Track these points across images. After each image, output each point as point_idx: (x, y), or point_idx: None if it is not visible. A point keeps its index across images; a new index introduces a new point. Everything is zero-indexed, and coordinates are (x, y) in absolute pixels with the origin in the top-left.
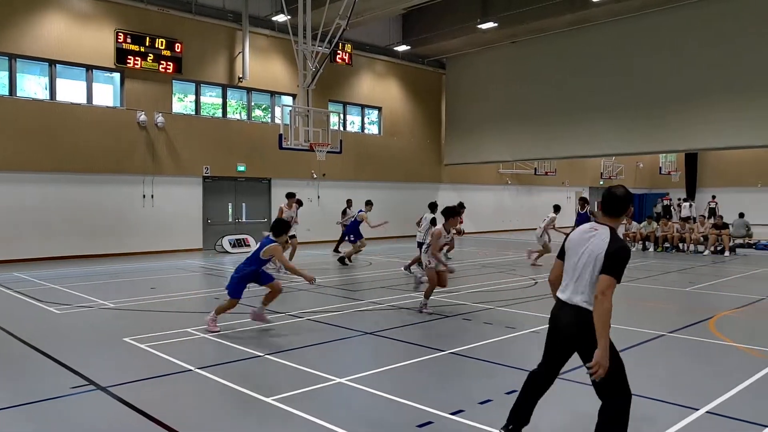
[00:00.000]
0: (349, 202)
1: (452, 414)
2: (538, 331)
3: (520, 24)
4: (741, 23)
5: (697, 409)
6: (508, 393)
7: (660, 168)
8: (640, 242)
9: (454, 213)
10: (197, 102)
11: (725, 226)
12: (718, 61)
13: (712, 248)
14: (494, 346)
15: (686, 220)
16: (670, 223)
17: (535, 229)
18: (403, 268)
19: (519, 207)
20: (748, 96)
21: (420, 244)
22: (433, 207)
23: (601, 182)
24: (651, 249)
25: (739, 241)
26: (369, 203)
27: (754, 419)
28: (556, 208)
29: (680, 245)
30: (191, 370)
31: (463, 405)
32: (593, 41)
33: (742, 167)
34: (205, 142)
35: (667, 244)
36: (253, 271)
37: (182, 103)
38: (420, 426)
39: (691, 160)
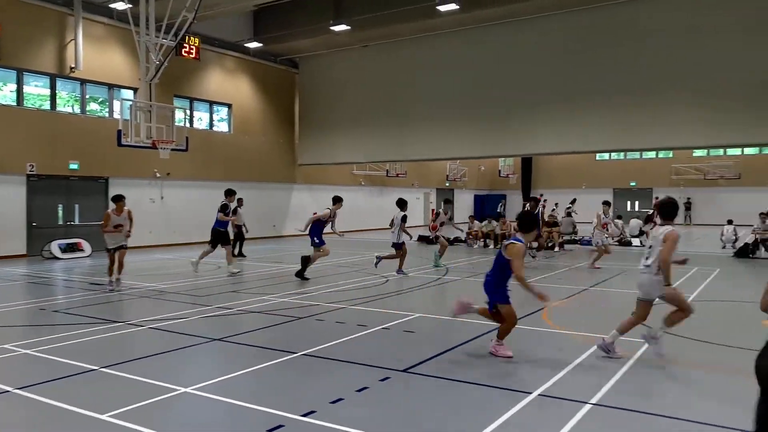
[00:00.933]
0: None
1: (303, 416)
2: (389, 328)
3: (371, 28)
4: (570, 41)
5: (530, 393)
6: (358, 390)
7: (499, 171)
8: (481, 240)
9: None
10: (19, 92)
11: (555, 224)
12: (551, 73)
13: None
14: (346, 345)
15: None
16: (508, 222)
17: (389, 228)
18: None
19: (372, 207)
20: (576, 106)
21: (396, 245)
22: (402, 204)
23: (447, 183)
24: (491, 246)
25: (567, 237)
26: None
27: (576, 397)
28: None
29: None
30: (9, 391)
31: (315, 406)
32: (441, 49)
33: (570, 170)
34: (30, 137)
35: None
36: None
37: (0, 92)
38: (270, 430)
39: (527, 163)
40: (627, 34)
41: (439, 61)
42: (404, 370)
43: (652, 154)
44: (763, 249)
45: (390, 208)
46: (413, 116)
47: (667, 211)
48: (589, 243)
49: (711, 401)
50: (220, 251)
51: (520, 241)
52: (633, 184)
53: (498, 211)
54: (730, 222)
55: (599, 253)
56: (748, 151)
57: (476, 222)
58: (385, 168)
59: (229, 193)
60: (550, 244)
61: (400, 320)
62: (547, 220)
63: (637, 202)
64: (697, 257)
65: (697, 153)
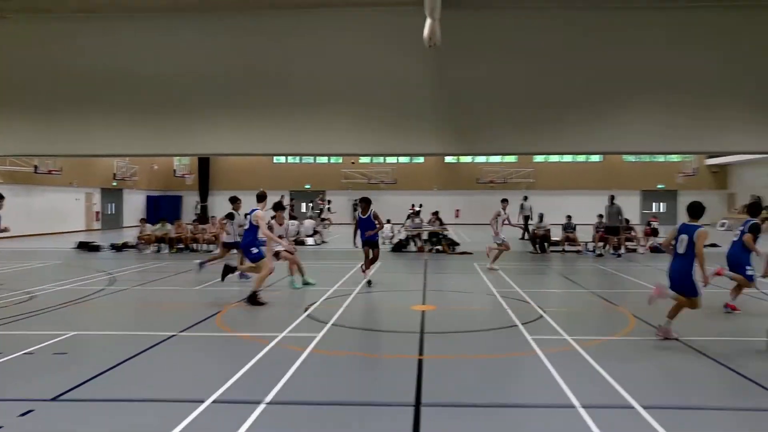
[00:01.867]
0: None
1: None
2: (32, 352)
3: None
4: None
5: (203, 401)
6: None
7: (174, 170)
8: (155, 245)
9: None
10: None
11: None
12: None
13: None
14: None
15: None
16: (183, 224)
17: (44, 235)
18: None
19: (17, 210)
20: (249, 110)
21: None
22: (276, 206)
23: (114, 183)
24: (166, 251)
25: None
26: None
27: (250, 398)
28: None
29: (193, 245)
30: None
31: None
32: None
33: (248, 172)
34: None
35: (181, 245)
36: None
37: None
38: None
39: (204, 163)
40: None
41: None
42: (54, 399)
43: (324, 159)
44: (412, 243)
45: (49, 211)
46: (76, 106)
47: None
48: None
49: (383, 382)
50: None
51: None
52: (308, 186)
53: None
54: (388, 221)
55: (500, 251)
56: (402, 159)
57: (148, 225)
58: (34, 163)
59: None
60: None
61: (49, 342)
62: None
63: (311, 204)
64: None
65: (363, 159)
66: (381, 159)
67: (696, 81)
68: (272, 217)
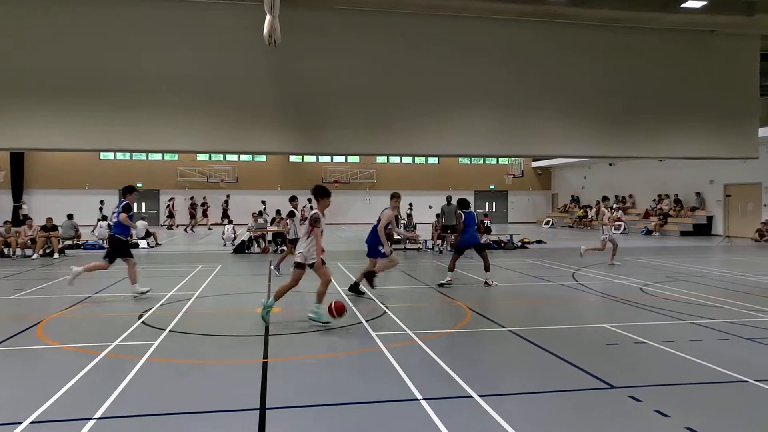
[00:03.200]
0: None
1: None
2: None
3: None
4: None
5: (21, 423)
6: None
7: None
8: None
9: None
10: None
11: (55, 228)
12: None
13: (41, 251)
14: None
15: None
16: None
17: None
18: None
19: None
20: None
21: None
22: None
23: None
24: None
25: (69, 242)
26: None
27: (77, 415)
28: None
29: (5, 250)
30: None
31: None
32: None
33: (71, 169)
34: None
35: None
36: None
37: None
38: None
39: (17, 159)
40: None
41: None
42: None
43: (158, 156)
44: (256, 245)
45: None
46: None
47: None
48: (93, 247)
49: (237, 389)
50: None
51: None
52: (140, 185)
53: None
54: (230, 221)
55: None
56: (243, 157)
57: None
58: None
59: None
60: (48, 250)
61: None
62: (44, 224)
63: (144, 204)
64: (203, 256)
65: (201, 157)
66: (220, 156)
67: (522, 93)
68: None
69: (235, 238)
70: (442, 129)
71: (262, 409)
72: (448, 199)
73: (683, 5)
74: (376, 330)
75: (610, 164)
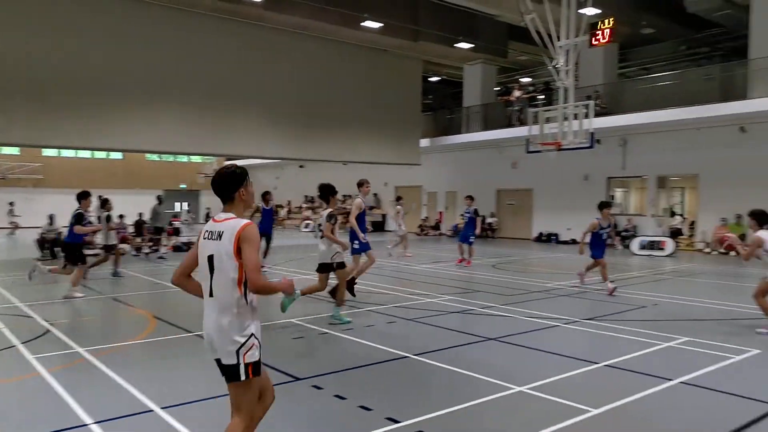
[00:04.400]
0: None
1: None
2: None
3: None
4: None
5: None
6: None
7: None
8: None
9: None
10: None
11: None
12: None
13: None
14: None
15: None
16: None
17: None
18: None
19: None
20: None
21: None
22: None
23: None
24: None
25: None
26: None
27: None
28: None
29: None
30: None
31: None
32: None
33: None
34: None
35: None
36: None
37: None
38: None
39: None
40: None
41: None
42: None
43: None
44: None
45: None
46: None
47: None
48: None
49: None
50: None
51: None
52: None
53: None
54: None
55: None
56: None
57: None
58: None
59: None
60: None
61: None
62: None
63: None
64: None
65: None
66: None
67: (218, 92)
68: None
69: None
70: (129, 121)
71: None
72: (159, 198)
73: (362, 24)
74: (36, 353)
75: (301, 166)
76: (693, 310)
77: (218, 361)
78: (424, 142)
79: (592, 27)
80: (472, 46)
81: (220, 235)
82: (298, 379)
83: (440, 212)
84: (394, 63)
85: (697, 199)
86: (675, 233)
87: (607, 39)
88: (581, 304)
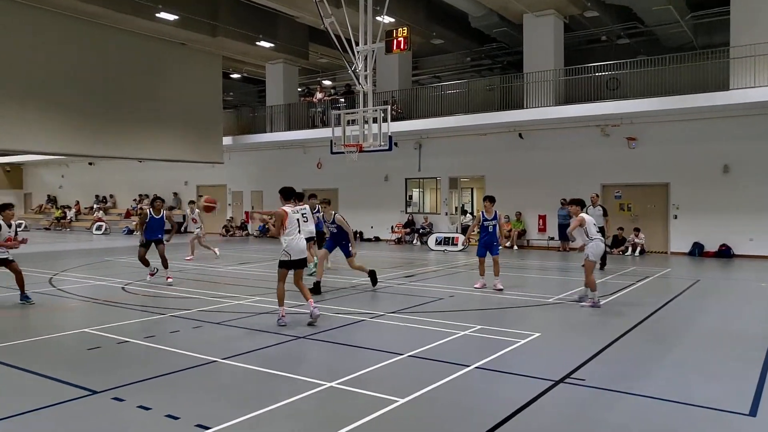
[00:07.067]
0: None
1: None
2: None
3: None
4: None
5: None
6: None
7: None
8: None
9: None
10: None
11: None
12: None
13: None
14: None
15: None
16: None
17: None
18: None
19: None
20: None
21: None
22: None
23: None
24: None
25: None
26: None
27: None
28: None
29: None
30: None
31: None
32: None
33: None
34: None
35: None
36: None
37: None
38: None
39: None
40: None
41: None
42: None
43: None
44: None
45: None
46: None
47: None
48: None
49: None
50: None
51: None
52: None
53: None
54: None
55: None
56: None
57: None
58: None
59: None
60: None
61: None
62: None
63: None
64: None
65: None
66: None
67: None
68: None
69: None
70: None
71: None
72: None
73: (157, 15)
74: None
75: (90, 163)
76: (484, 300)
77: None
78: (227, 140)
79: (388, 35)
80: (273, 45)
81: None
82: (95, 392)
83: (246, 212)
84: (193, 57)
85: None
86: (465, 229)
87: (402, 47)
88: (388, 299)
